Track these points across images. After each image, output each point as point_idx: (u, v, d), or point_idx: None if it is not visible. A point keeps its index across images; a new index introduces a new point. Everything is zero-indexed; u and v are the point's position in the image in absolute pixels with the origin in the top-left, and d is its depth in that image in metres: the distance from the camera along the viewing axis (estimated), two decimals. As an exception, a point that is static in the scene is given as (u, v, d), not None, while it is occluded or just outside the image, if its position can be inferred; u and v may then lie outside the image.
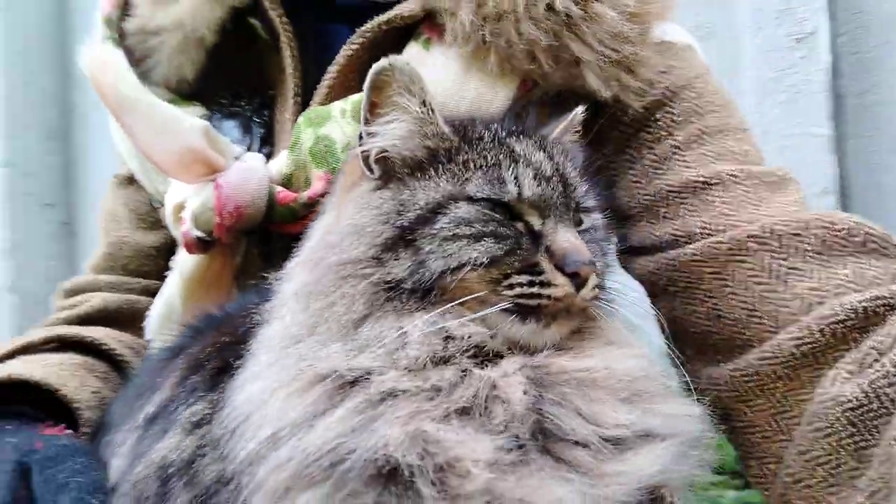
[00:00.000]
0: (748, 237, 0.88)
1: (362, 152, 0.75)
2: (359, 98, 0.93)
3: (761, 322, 0.85)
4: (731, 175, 0.94)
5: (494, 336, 0.68)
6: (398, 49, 0.96)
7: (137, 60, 1.06)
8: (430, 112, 0.74)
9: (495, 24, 0.91)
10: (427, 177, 0.73)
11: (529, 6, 0.90)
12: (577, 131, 0.89)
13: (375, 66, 0.72)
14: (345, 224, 0.74)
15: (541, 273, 0.68)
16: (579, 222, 0.78)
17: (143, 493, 0.67)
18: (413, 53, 0.95)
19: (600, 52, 0.92)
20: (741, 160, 0.98)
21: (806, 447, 0.76)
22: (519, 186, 0.72)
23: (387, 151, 0.75)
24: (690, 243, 0.92)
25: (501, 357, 0.68)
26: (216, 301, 0.96)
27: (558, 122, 0.87)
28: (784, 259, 0.86)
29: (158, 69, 1.06)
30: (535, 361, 0.68)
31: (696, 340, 0.92)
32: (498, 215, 0.71)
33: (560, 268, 0.69)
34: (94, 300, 1.12)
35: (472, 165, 0.73)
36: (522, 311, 0.68)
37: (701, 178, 0.95)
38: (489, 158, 0.74)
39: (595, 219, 0.81)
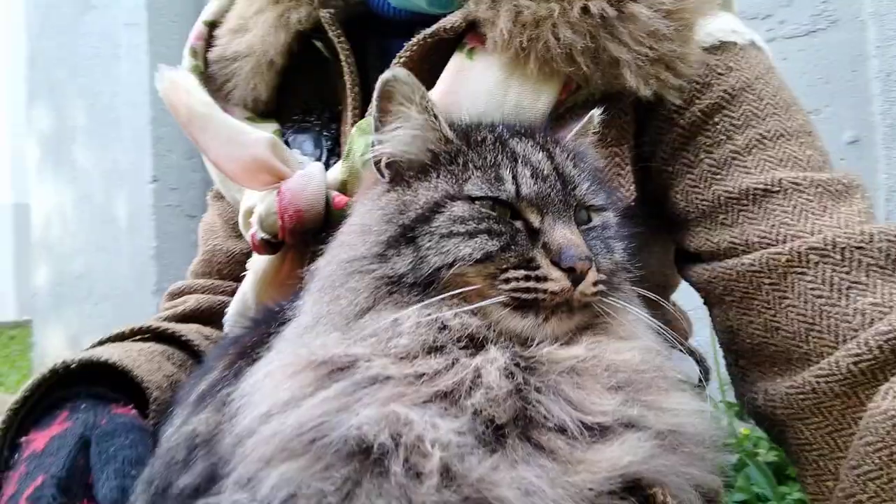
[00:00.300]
0: (809, 249, 0.85)
1: (374, 157, 0.81)
2: None
3: (821, 336, 0.83)
4: (793, 183, 0.91)
5: (490, 327, 0.70)
6: (446, 60, 0.99)
7: (220, 85, 1.17)
8: (433, 118, 0.78)
9: (533, 30, 0.92)
10: (429, 178, 0.78)
11: (565, 10, 0.91)
12: (594, 132, 0.90)
13: (381, 78, 0.77)
14: (355, 224, 0.80)
15: (537, 268, 0.70)
16: (587, 220, 0.79)
17: (174, 458, 0.74)
18: (458, 63, 0.97)
19: (637, 50, 0.92)
20: (804, 166, 0.94)
21: (857, 462, 0.74)
22: (517, 185, 0.75)
23: (394, 156, 0.80)
24: (749, 252, 0.90)
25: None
26: (285, 298, 1.04)
27: (574, 125, 0.88)
28: (846, 273, 0.84)
29: (237, 91, 1.16)
30: (527, 351, 0.69)
31: (751, 351, 0.91)
32: (494, 213, 0.73)
33: (556, 263, 0.70)
34: (190, 301, 1.24)
35: (471, 166, 0.77)
36: (520, 306, 0.70)
37: (761, 186, 0.92)
38: (489, 159, 0.77)
39: (606, 217, 0.82)
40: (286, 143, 1.15)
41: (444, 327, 0.69)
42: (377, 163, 0.81)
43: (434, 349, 0.67)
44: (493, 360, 0.67)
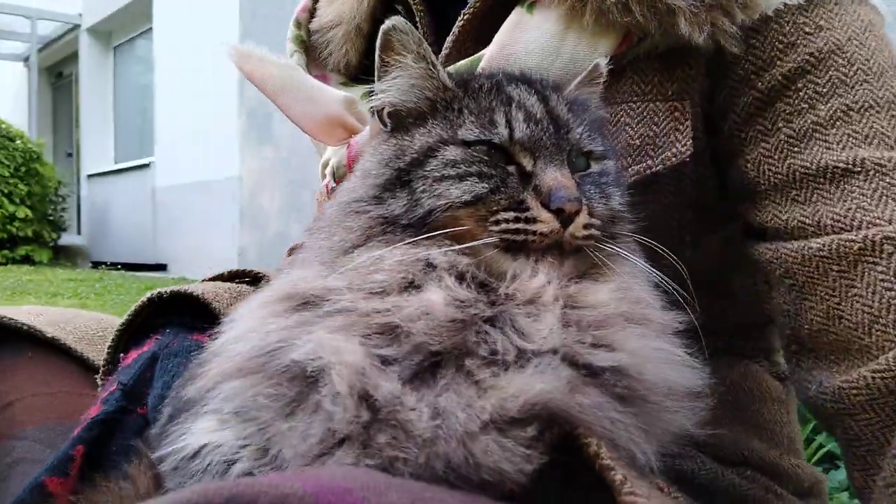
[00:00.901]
0: (885, 238, 0.81)
1: (377, 107, 0.83)
2: (469, 61, 1.00)
3: (885, 331, 0.79)
4: (877, 164, 0.85)
5: (480, 266, 0.71)
6: (508, 15, 0.99)
7: (319, 53, 1.24)
8: (431, 66, 0.79)
9: None
10: (426, 124, 0.79)
11: None
12: (599, 82, 0.89)
13: (382, 27, 0.79)
14: (359, 169, 0.83)
15: (527, 210, 0.71)
16: (585, 167, 0.79)
17: (191, 373, 0.79)
18: (517, 17, 0.97)
19: None
20: (891, 144, 0.87)
21: None
22: (510, 128, 0.75)
23: (394, 105, 0.81)
24: (818, 236, 0.86)
25: None
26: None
27: (579, 76, 0.88)
28: None
29: (332, 58, 1.22)
30: (495, 287, 0.70)
31: (808, 337, 0.87)
32: (487, 157, 0.75)
33: (546, 205, 0.71)
34: None
35: (466, 112, 0.78)
36: (511, 248, 0.71)
37: (841, 164, 0.86)
38: (483, 104, 0.78)
39: (605, 165, 0.82)
40: None
41: (431, 266, 0.69)
42: (379, 112, 0.83)
43: (413, 287, 0.68)
44: (443, 290, 0.67)
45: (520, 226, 0.70)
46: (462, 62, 1.00)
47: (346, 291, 0.67)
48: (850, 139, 0.87)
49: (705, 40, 0.89)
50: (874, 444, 0.77)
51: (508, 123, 0.76)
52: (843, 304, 0.82)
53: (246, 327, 0.70)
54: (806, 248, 0.86)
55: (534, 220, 0.71)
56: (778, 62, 0.92)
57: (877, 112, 0.89)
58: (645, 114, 0.96)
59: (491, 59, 0.97)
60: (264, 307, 0.71)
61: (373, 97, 0.83)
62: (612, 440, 0.63)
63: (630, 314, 0.70)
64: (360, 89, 1.20)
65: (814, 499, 1.11)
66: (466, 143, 0.76)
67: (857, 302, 0.81)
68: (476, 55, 1.00)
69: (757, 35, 0.94)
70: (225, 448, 0.66)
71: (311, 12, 1.27)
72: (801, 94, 0.91)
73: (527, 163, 0.76)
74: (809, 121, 0.90)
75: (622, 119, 0.97)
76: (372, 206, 0.75)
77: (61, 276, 9.46)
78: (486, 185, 0.72)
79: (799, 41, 0.92)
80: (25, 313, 1.14)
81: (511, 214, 0.71)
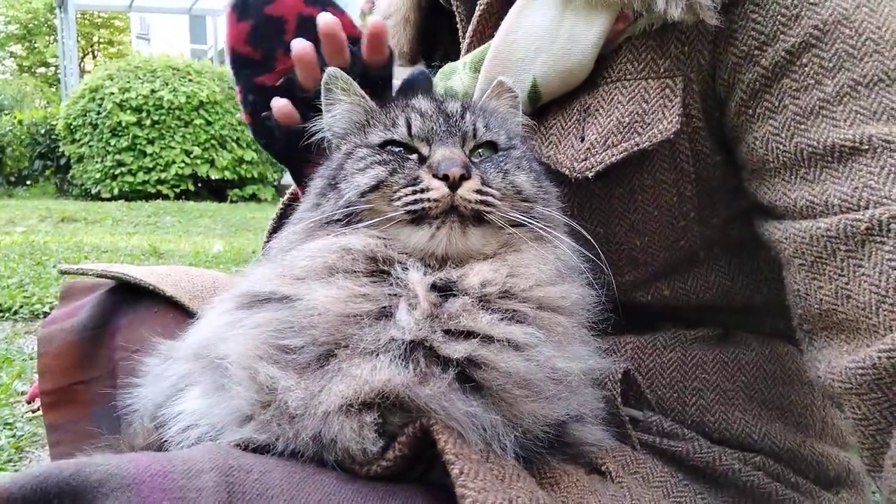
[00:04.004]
0: (891, 218, 0.79)
1: (327, 139, 0.97)
2: (478, 52, 1.08)
3: (892, 310, 0.78)
4: (885, 141, 0.82)
5: (389, 245, 0.81)
6: None
7: None
8: (360, 98, 0.95)
9: None
10: (350, 139, 0.94)
11: None
12: (507, 96, 0.98)
13: (323, 78, 0.95)
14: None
15: (421, 181, 0.81)
16: (478, 152, 0.90)
17: None
18: (521, 4, 1.03)
19: None
20: None
21: None
22: (408, 126, 0.89)
23: (336, 134, 0.96)
24: (826, 216, 0.85)
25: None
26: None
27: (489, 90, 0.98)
28: None
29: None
30: (396, 270, 0.79)
31: (818, 316, 0.86)
32: (389, 148, 0.88)
33: (436, 175, 0.80)
34: None
35: (377, 122, 0.93)
36: (414, 220, 0.81)
37: (848, 143, 0.84)
38: (391, 114, 0.92)
39: (508, 153, 0.91)
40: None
41: (348, 250, 0.80)
42: (328, 142, 0.97)
43: (333, 271, 0.79)
44: (335, 287, 0.77)
45: (416, 196, 0.81)
46: (475, 51, 1.07)
47: (275, 279, 0.81)
48: (858, 116, 0.84)
49: (682, 14, 0.89)
50: (882, 424, 0.77)
51: (407, 122, 0.89)
52: (850, 283, 0.82)
53: (206, 320, 0.88)
54: (814, 227, 0.85)
55: (427, 189, 0.80)
56: (781, 36, 0.90)
57: (887, 86, 0.84)
58: (636, 91, 0.97)
59: (497, 45, 1.03)
60: (222, 302, 0.88)
61: (323, 130, 0.98)
62: (461, 430, 0.70)
63: (507, 287, 0.78)
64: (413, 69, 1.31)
65: (844, 489, 1.08)
66: (375, 145, 0.90)
67: (865, 282, 0.80)
68: (485, 45, 1.06)
69: (758, 8, 0.91)
70: (190, 415, 0.82)
71: (373, 2, 1.39)
72: (806, 69, 0.88)
73: (424, 150, 0.88)
74: (816, 98, 0.87)
75: (615, 98, 0.99)
76: (311, 212, 0.89)
77: (279, 212, 10.53)
78: (386, 170, 0.84)
79: (803, 13, 0.88)
80: (157, 274, 1.40)
81: (409, 189, 0.82)
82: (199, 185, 12.48)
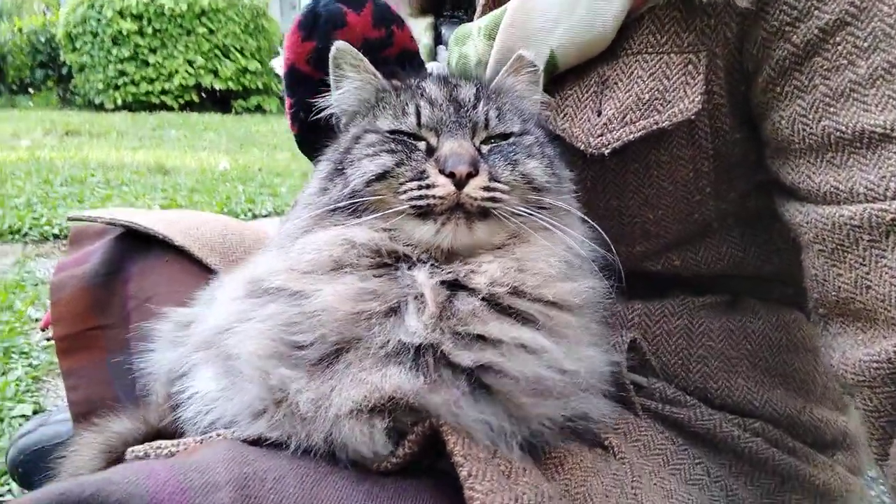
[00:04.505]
0: None
1: (334, 116, 0.93)
2: (493, 16, 1.02)
3: None
4: None
5: (394, 238, 0.79)
6: None
7: None
8: (371, 75, 0.92)
9: None
10: (359, 120, 0.91)
11: None
12: (527, 72, 0.93)
13: (331, 52, 0.91)
14: (318, 166, 0.93)
15: (427, 177, 0.79)
16: (490, 140, 0.87)
17: None
18: None
19: None
20: None
21: None
22: (417, 115, 0.85)
23: (345, 112, 0.93)
24: (850, 203, 0.81)
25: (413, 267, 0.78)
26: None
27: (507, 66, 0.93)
28: None
29: None
30: (403, 266, 0.78)
31: (835, 303, 0.84)
32: (398, 137, 0.85)
33: (443, 171, 0.78)
34: None
35: (387, 106, 0.89)
36: (419, 214, 0.79)
37: (879, 129, 0.79)
38: (401, 98, 0.89)
39: (520, 139, 0.87)
40: (440, 34, 1.24)
41: (353, 244, 0.79)
42: (337, 119, 0.93)
43: (339, 266, 0.78)
44: (342, 284, 0.75)
45: (422, 192, 0.78)
46: (489, 15, 1.02)
47: (283, 273, 0.79)
48: (891, 100, 0.80)
49: None
50: (894, 416, 0.76)
51: (416, 111, 0.85)
52: (871, 274, 0.79)
53: (218, 303, 0.88)
54: (837, 214, 0.82)
55: (433, 186, 0.78)
56: (816, 12, 0.84)
57: None
58: (658, 66, 0.93)
59: (513, 13, 0.98)
60: (232, 287, 0.87)
61: (331, 107, 0.94)
62: (469, 433, 0.71)
63: (516, 285, 0.76)
64: (425, 20, 1.27)
65: (840, 451, 1.10)
66: (384, 131, 0.86)
67: (887, 273, 0.78)
68: (500, 8, 1.00)
69: None
70: (202, 399, 0.83)
71: None
72: (839, 48, 0.83)
73: (433, 140, 0.84)
74: (848, 79, 0.82)
75: (635, 72, 0.95)
76: (319, 196, 0.86)
77: (285, 126, 10.42)
78: (393, 160, 0.82)
79: None
80: (166, 221, 1.39)
81: (415, 184, 0.79)
82: (204, 95, 12.30)
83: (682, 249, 1.06)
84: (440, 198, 0.78)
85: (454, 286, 0.77)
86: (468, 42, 1.05)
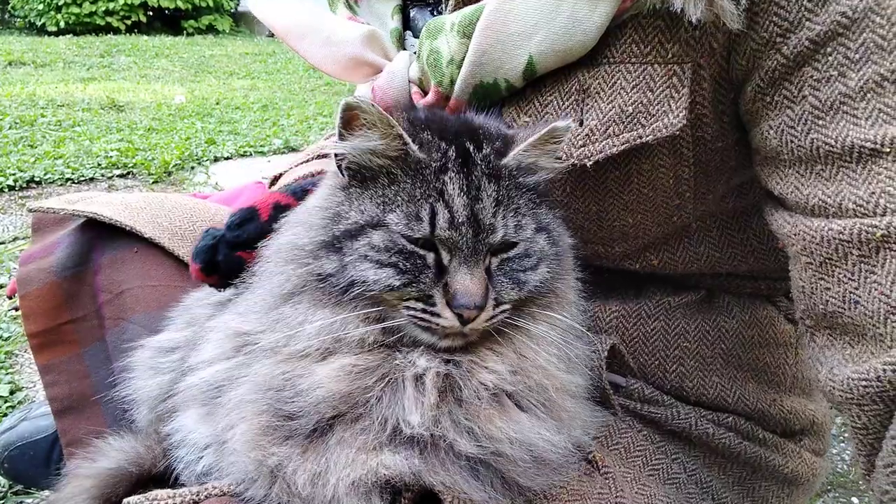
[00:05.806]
0: None
1: (336, 157, 0.84)
2: (468, 12, 0.97)
3: None
4: None
5: (389, 331, 0.79)
6: None
7: None
8: (397, 137, 0.78)
9: None
10: (365, 196, 0.81)
11: None
12: (558, 142, 0.84)
13: (344, 104, 0.78)
14: (308, 209, 0.87)
15: (433, 304, 0.77)
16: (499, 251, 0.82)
17: None
18: None
19: None
20: None
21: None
22: (432, 226, 0.77)
23: (352, 163, 0.82)
24: (840, 217, 0.80)
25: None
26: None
27: (533, 130, 0.83)
28: None
29: None
30: (386, 360, 0.79)
31: (822, 316, 0.84)
32: (408, 246, 0.78)
33: (451, 305, 0.76)
34: None
35: (400, 197, 0.79)
36: (420, 326, 0.79)
37: (868, 144, 0.78)
38: (417, 193, 0.79)
39: (532, 244, 0.83)
40: (410, 17, 1.19)
41: (345, 342, 0.79)
42: (339, 163, 0.84)
43: (328, 354, 0.79)
44: (336, 366, 0.77)
45: (426, 316, 0.77)
46: (466, 9, 0.97)
47: (272, 354, 0.80)
48: (881, 114, 0.78)
49: (701, 16, 0.83)
50: (882, 433, 0.76)
51: (432, 220, 0.77)
52: (860, 289, 0.79)
53: (206, 355, 0.88)
54: (826, 228, 0.81)
55: (438, 315, 0.77)
56: (807, 23, 0.82)
57: None
58: (641, 78, 0.91)
59: (490, 14, 0.93)
60: (218, 340, 0.88)
61: (337, 149, 0.83)
62: (469, 499, 0.74)
63: (520, 387, 0.79)
64: (392, 2, 1.19)
65: (806, 438, 1.16)
66: (394, 231, 0.78)
67: (875, 290, 0.78)
68: (475, 6, 0.96)
69: None
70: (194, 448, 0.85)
71: None
72: (830, 59, 0.81)
73: (445, 256, 0.79)
74: (838, 91, 0.81)
75: (618, 82, 0.92)
76: (310, 259, 0.81)
77: (240, 49, 10.07)
78: (400, 280, 0.77)
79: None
80: (131, 209, 1.35)
81: (420, 306, 0.78)
82: (151, 15, 11.72)
83: (661, 250, 1.07)
84: (444, 327, 0.77)
85: (453, 373, 0.78)
86: (440, 37, 1.00)
